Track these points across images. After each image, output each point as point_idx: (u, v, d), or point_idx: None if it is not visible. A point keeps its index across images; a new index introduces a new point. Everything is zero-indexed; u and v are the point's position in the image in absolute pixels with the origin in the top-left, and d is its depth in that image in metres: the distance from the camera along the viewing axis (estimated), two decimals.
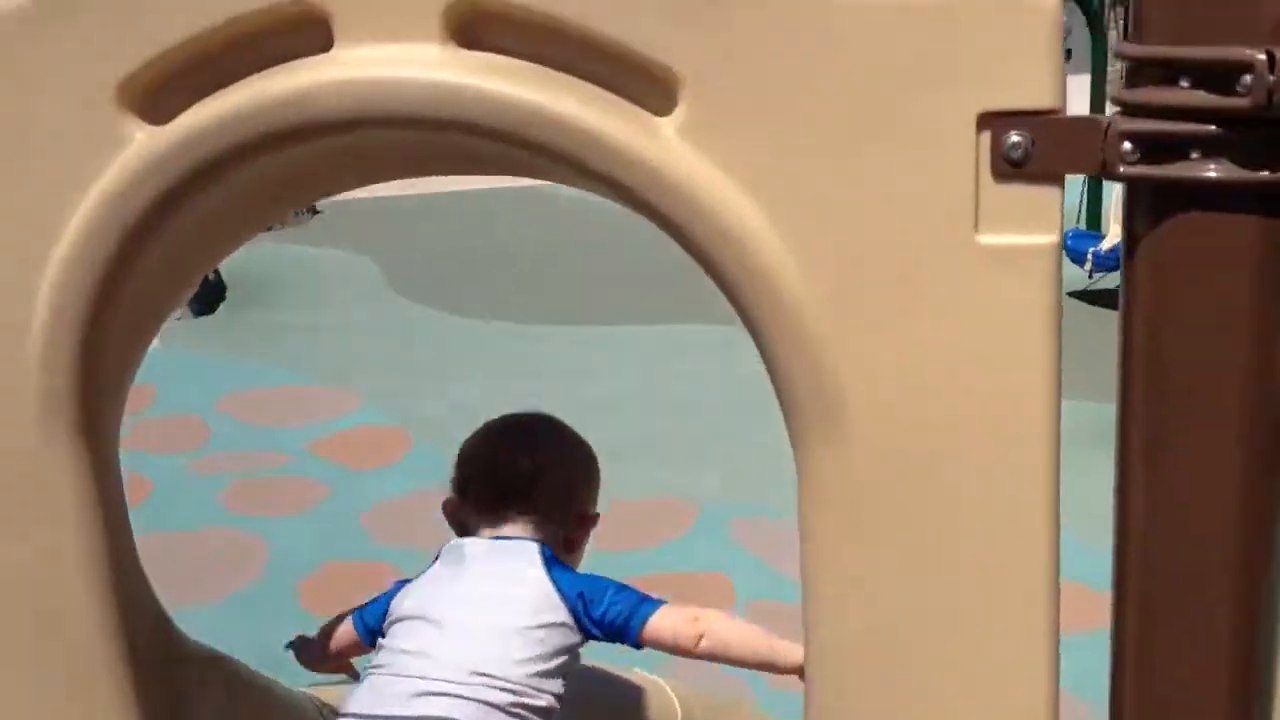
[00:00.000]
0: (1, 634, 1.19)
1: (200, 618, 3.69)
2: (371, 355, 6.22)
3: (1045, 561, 0.99)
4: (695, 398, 5.49)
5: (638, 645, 1.40)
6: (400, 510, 4.45)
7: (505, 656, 1.32)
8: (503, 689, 1.30)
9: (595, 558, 4.30)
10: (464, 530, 1.48)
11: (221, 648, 3.74)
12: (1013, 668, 1.03)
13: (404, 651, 1.35)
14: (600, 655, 1.71)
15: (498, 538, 1.43)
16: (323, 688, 1.73)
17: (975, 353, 0.96)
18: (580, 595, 1.38)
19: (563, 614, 1.36)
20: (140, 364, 1.24)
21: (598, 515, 1.54)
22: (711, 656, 1.41)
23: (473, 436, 1.53)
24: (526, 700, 1.31)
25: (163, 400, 5.34)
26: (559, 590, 1.38)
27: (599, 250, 7.82)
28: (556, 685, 1.35)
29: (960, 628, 1.02)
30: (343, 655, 1.57)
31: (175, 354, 5.63)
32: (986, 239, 0.93)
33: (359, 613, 1.52)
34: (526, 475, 1.44)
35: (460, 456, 1.51)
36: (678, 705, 1.97)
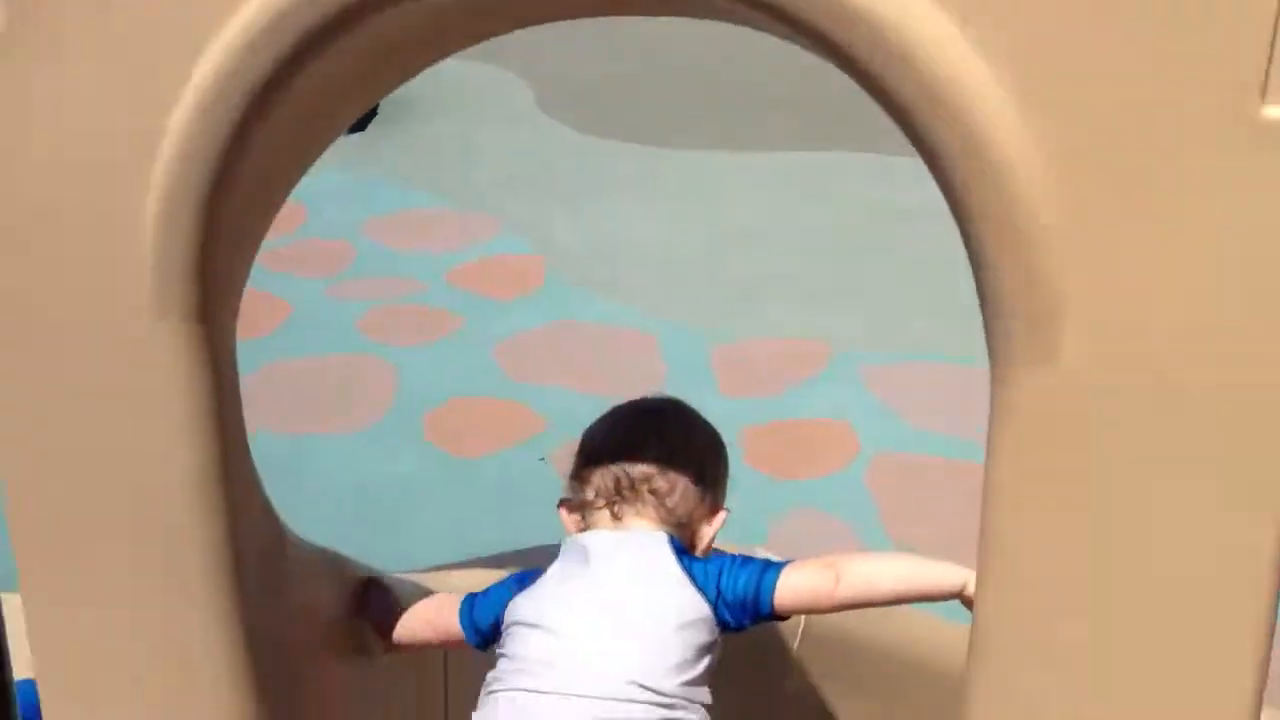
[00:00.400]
0: (106, 526, 1.17)
1: (327, 446, 3.78)
2: (516, 180, 6.15)
3: (1274, 539, 0.85)
4: (842, 232, 5.30)
5: (775, 615, 1.27)
6: (532, 346, 4.43)
7: (655, 666, 1.19)
8: (657, 703, 1.18)
9: (719, 402, 4.22)
10: (583, 525, 1.34)
11: (348, 479, 3.79)
12: (1216, 654, 0.90)
13: (542, 663, 1.20)
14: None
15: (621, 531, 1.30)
16: (433, 572, 1.67)
17: (1235, 261, 0.77)
18: (716, 584, 1.26)
19: (704, 609, 1.24)
20: (260, 244, 1.16)
21: (728, 511, 1.38)
22: (856, 599, 1.26)
23: (597, 422, 1.39)
24: (680, 714, 1.19)
25: (312, 222, 5.38)
26: (695, 583, 1.25)
27: (757, 72, 7.53)
28: (705, 694, 1.24)
29: (1163, 605, 0.89)
30: (419, 643, 1.39)
31: (326, 173, 5.62)
32: (1276, 111, 0.73)
33: (468, 606, 1.35)
34: (654, 463, 1.30)
35: (582, 443, 1.37)
36: None
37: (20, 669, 1.31)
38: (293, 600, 1.31)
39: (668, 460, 1.31)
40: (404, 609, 1.42)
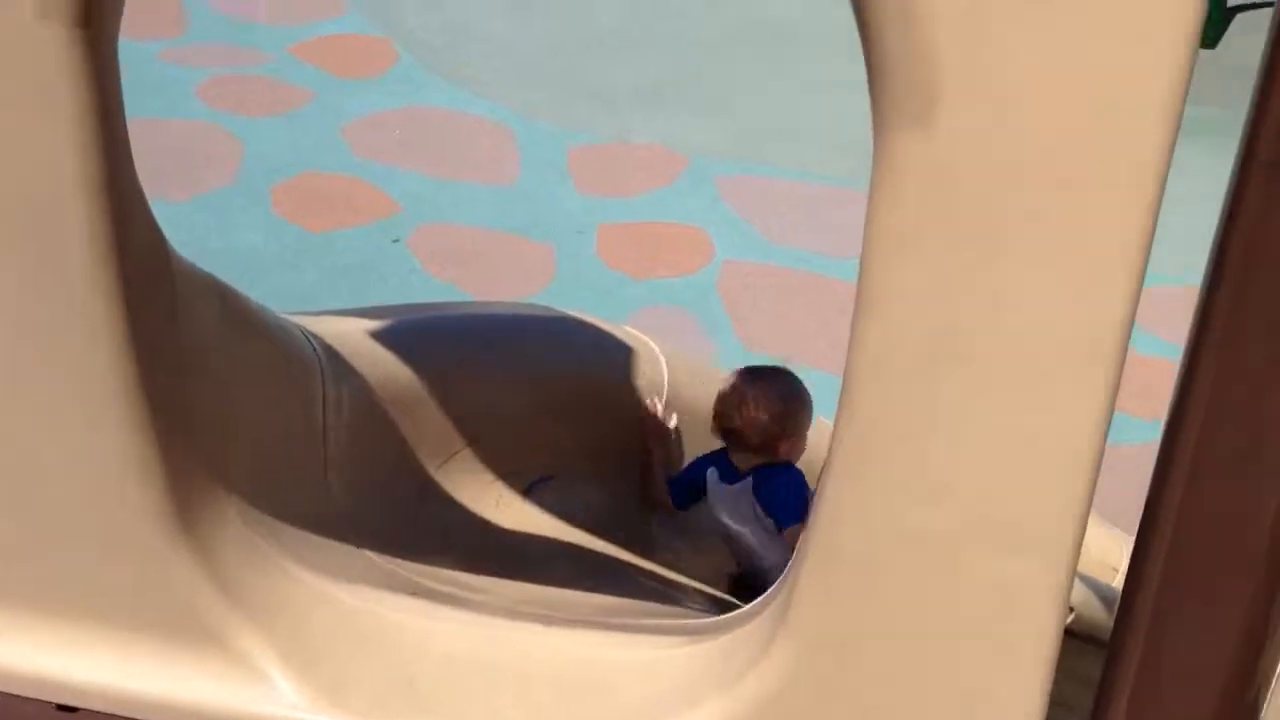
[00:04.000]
0: None
1: (171, 212, 3.65)
2: None
3: (1126, 298, 0.95)
4: (701, 42, 5.27)
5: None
6: (383, 127, 4.32)
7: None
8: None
9: (575, 199, 4.24)
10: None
11: (192, 246, 3.70)
12: (1066, 399, 0.99)
13: None
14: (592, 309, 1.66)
15: (735, 476, 1.92)
16: (310, 317, 1.68)
17: (1099, 51, 0.85)
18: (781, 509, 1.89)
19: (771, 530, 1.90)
20: None
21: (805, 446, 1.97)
22: None
23: (730, 387, 1.91)
24: None
25: None
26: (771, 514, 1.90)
27: None
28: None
29: (1024, 339, 0.97)
30: None
31: None
32: None
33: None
34: (764, 430, 1.89)
35: (719, 404, 1.91)
36: (664, 364, 1.96)
37: None
38: (178, 316, 1.30)
39: (765, 419, 1.90)
40: None
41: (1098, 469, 1.06)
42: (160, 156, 3.96)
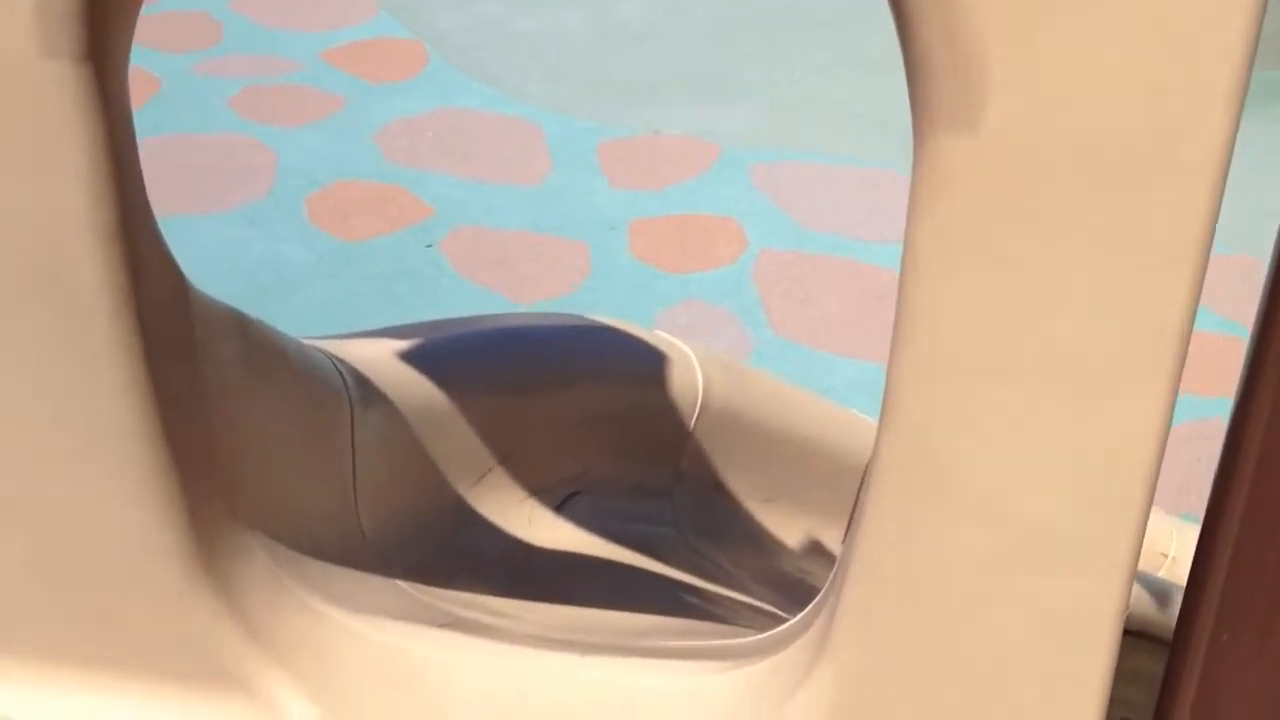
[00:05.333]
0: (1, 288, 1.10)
1: (207, 227, 3.68)
2: None
3: (1185, 305, 0.91)
4: (728, 29, 5.22)
5: None
6: (415, 130, 4.31)
7: None
8: None
9: (607, 195, 4.22)
10: None
11: (227, 260, 3.70)
12: (1124, 408, 0.95)
13: None
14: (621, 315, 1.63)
15: None
16: (336, 341, 1.65)
17: (1153, 52, 0.80)
18: None
19: None
20: None
21: None
22: None
23: None
24: None
25: None
26: None
27: None
28: None
29: (1078, 346, 0.92)
30: None
31: None
32: None
33: None
34: None
35: None
36: (698, 368, 1.92)
37: None
38: (199, 355, 1.27)
39: None
40: None
41: (1156, 479, 1.01)
42: (195, 171, 3.97)
